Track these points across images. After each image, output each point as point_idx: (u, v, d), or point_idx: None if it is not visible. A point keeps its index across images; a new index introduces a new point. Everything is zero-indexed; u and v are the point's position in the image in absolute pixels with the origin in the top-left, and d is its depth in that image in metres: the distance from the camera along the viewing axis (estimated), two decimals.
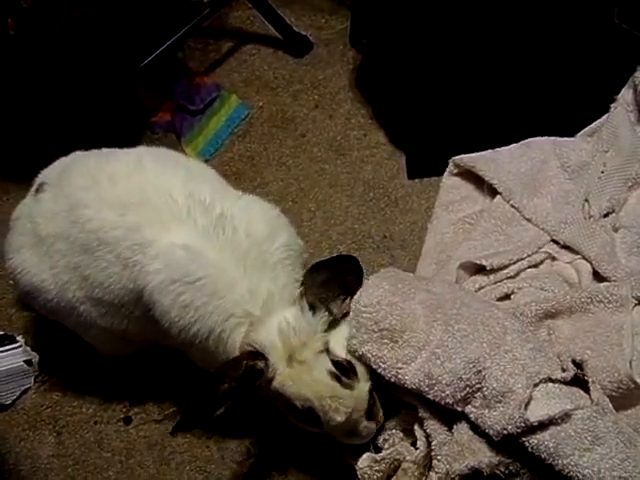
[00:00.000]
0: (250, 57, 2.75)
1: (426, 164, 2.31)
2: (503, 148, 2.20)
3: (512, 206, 2.10)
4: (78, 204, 1.77)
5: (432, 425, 1.70)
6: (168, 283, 1.68)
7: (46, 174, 1.92)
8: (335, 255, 2.07)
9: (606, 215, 2.05)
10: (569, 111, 2.26)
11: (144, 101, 2.68)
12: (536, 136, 2.23)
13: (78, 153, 1.94)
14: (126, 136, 2.57)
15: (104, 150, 1.92)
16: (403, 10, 2.23)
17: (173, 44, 2.57)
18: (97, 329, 1.86)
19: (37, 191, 1.87)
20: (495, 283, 1.97)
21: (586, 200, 2.09)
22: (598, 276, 1.94)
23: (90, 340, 1.95)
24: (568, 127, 2.25)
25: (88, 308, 1.81)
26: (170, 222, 1.73)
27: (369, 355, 1.71)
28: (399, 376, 1.69)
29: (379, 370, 1.70)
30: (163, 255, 1.70)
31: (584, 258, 1.98)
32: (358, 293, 1.79)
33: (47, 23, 2.44)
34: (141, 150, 1.93)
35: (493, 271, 1.98)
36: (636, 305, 1.85)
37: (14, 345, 2.11)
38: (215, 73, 2.71)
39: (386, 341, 1.71)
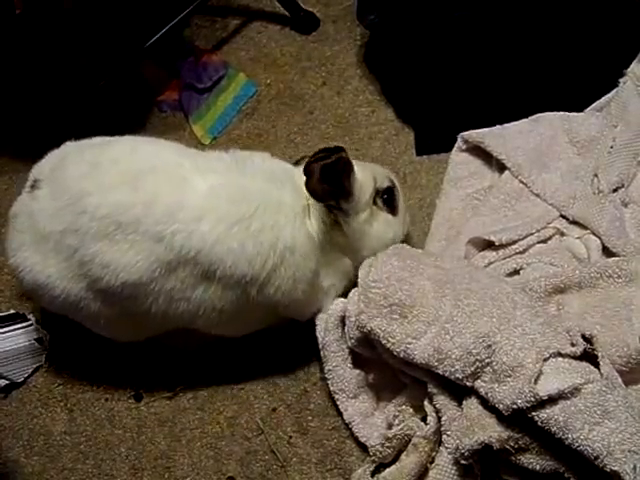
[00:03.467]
0: (257, 34, 2.74)
1: (434, 140, 2.30)
2: (512, 123, 2.19)
3: (521, 181, 2.10)
4: (81, 193, 1.74)
5: (442, 400, 1.71)
6: (228, 228, 1.73)
7: (39, 169, 1.88)
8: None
9: (615, 190, 2.04)
10: (578, 85, 2.24)
11: (151, 80, 2.67)
12: (545, 111, 2.22)
13: (69, 144, 1.91)
14: (134, 115, 2.57)
15: (95, 139, 1.90)
16: None
17: (179, 22, 2.57)
18: (110, 318, 1.85)
19: (32, 187, 1.83)
20: (504, 258, 1.97)
21: (595, 175, 2.08)
22: (607, 251, 1.94)
23: (102, 330, 1.93)
24: (577, 102, 2.24)
25: (102, 297, 1.80)
26: (185, 180, 1.76)
27: (378, 330, 1.72)
28: (408, 351, 1.69)
29: (388, 345, 1.71)
30: (204, 209, 1.73)
31: (593, 233, 1.98)
32: (367, 268, 1.80)
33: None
34: (132, 137, 1.93)
35: (502, 246, 1.98)
36: None
37: (25, 323, 2.11)
38: (222, 51, 2.70)
39: (395, 316, 1.72)
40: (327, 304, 1.91)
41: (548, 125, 2.19)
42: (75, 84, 2.49)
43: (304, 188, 1.75)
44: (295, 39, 2.69)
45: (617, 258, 1.89)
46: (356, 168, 1.81)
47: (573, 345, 1.64)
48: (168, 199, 1.73)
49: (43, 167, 1.87)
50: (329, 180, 1.73)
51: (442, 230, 2.10)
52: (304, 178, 1.74)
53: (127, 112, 2.56)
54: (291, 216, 1.80)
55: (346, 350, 1.86)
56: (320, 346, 1.90)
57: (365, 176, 1.86)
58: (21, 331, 2.11)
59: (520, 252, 1.97)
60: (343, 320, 1.85)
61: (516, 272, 1.94)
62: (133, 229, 1.72)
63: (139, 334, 1.96)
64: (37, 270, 1.80)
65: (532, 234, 1.99)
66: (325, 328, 1.87)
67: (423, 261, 1.81)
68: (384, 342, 1.71)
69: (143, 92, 2.64)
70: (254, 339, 1.99)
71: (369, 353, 1.84)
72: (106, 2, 2.60)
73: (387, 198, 1.91)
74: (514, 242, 1.98)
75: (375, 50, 2.55)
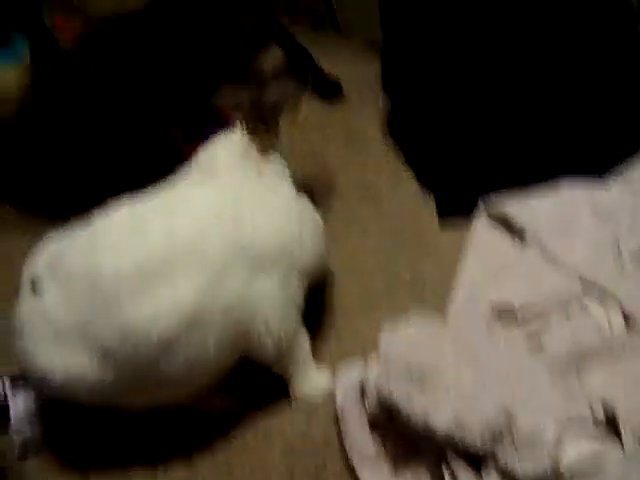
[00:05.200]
0: None
1: (456, 205, 2.32)
2: (534, 191, 2.20)
3: (542, 250, 2.10)
4: (91, 271, 1.71)
5: (460, 468, 1.69)
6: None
7: (34, 269, 1.81)
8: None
9: (638, 261, 2.04)
10: (599, 153, 2.26)
11: (179, 144, 2.70)
12: (566, 175, 2.24)
13: (53, 236, 1.87)
14: (161, 178, 2.59)
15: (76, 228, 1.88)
16: (433, 55, 2.25)
17: (208, 87, 2.61)
18: (150, 383, 1.79)
19: (33, 288, 1.78)
20: (525, 327, 1.96)
21: (617, 244, 2.08)
22: (630, 321, 1.93)
23: (137, 403, 1.87)
24: (599, 167, 2.26)
25: (147, 360, 1.74)
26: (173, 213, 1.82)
27: (397, 398, 1.70)
28: (428, 420, 1.67)
29: (407, 413, 1.69)
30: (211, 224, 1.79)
31: (616, 302, 1.97)
32: (387, 335, 1.80)
33: (86, 62, 2.48)
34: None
35: (523, 315, 1.97)
36: None
37: None
38: None
39: (415, 384, 1.70)
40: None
41: (570, 194, 2.20)
42: (101, 146, 2.52)
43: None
44: (319, 106, 2.73)
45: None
46: None
47: (594, 414, 1.63)
48: (186, 230, 1.76)
49: (38, 266, 1.82)
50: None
51: (463, 297, 2.09)
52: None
53: (155, 176, 2.58)
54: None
55: (364, 416, 1.85)
56: (339, 411, 1.88)
57: None
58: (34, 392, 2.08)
59: (541, 321, 1.97)
60: (362, 387, 1.84)
61: (537, 341, 1.93)
62: (160, 270, 1.71)
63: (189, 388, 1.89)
64: (67, 364, 1.73)
65: (554, 303, 1.99)
66: (344, 393, 1.87)
67: (443, 328, 1.81)
68: (403, 410, 1.70)
69: (172, 157, 2.67)
70: (270, 405, 1.98)
71: (388, 420, 1.82)
72: (136, 66, 2.65)
73: None
74: (535, 310, 1.97)
75: (398, 116, 2.57)
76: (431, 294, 2.14)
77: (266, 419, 1.99)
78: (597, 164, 2.24)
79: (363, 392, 1.84)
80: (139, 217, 1.80)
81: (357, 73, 2.78)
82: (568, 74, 2.18)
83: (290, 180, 2.04)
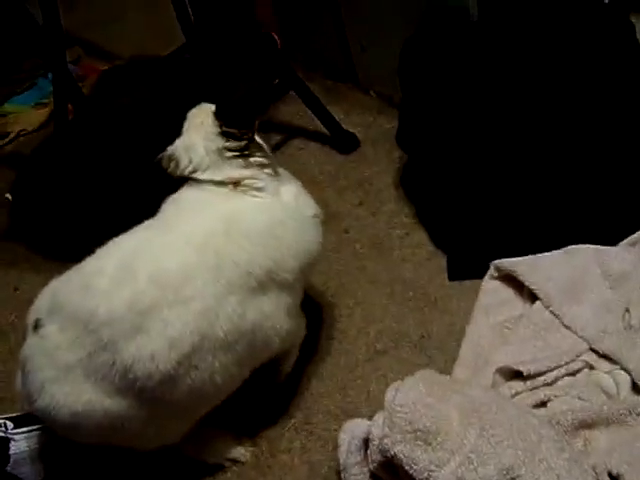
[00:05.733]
0: (298, 151, 2.80)
1: (467, 266, 2.32)
2: (545, 254, 2.20)
3: (551, 312, 2.10)
4: (90, 313, 1.72)
5: None
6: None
7: (36, 310, 1.83)
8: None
9: None
10: (612, 218, 2.26)
11: None
12: (578, 242, 2.24)
13: (54, 282, 1.88)
14: None
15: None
16: (450, 115, 2.26)
17: None
18: (154, 420, 1.82)
19: (36, 328, 1.79)
20: (532, 390, 1.95)
21: (627, 310, 2.08)
22: (637, 388, 1.91)
23: (144, 441, 1.89)
24: (610, 235, 2.26)
25: (151, 397, 1.76)
26: (165, 246, 1.83)
27: (401, 455, 1.69)
28: (432, 478, 1.67)
29: (411, 471, 1.68)
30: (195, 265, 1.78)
31: (623, 368, 1.96)
32: (393, 392, 1.79)
33: (106, 108, 2.50)
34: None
35: (530, 377, 1.95)
36: None
37: (40, 425, 2.08)
38: None
39: (420, 442, 1.69)
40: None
41: (581, 257, 2.20)
42: (107, 194, 2.54)
43: None
44: (334, 158, 2.75)
45: None
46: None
47: None
48: (170, 269, 1.77)
49: (39, 308, 1.83)
50: None
51: (470, 357, 2.09)
52: None
53: None
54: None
55: (367, 473, 1.84)
56: (341, 467, 1.87)
57: None
58: (35, 433, 2.08)
59: (548, 384, 1.95)
60: (366, 442, 1.83)
61: (543, 404, 1.92)
62: (157, 309, 1.72)
63: (185, 426, 1.92)
64: (72, 401, 1.74)
65: (561, 366, 1.97)
66: (347, 450, 1.85)
67: (450, 388, 1.80)
68: (407, 468, 1.69)
69: None
70: (267, 460, 1.99)
71: (391, 477, 1.81)
72: (153, 111, 2.67)
73: None
74: (542, 373, 1.96)
75: (412, 173, 2.59)
76: (438, 352, 2.13)
77: (269, 470, 2.00)
78: (608, 230, 2.24)
79: (367, 448, 1.83)
80: (127, 260, 1.80)
81: (374, 127, 2.80)
82: (581, 141, 2.19)
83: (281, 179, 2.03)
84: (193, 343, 1.74)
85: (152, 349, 1.71)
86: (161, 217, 1.93)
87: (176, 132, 1.96)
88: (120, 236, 1.87)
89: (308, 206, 2.04)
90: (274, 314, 1.88)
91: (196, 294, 1.75)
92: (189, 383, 1.76)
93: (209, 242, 1.81)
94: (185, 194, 1.94)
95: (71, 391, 1.74)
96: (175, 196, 1.95)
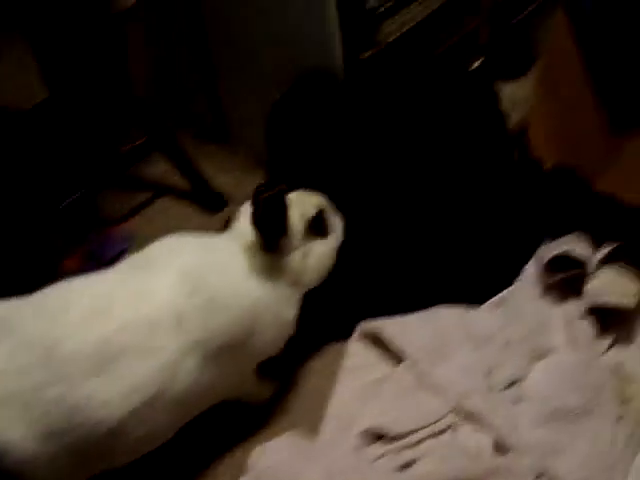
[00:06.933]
0: (166, 209, 2.77)
1: (331, 329, 2.30)
2: (411, 315, 2.22)
3: (416, 373, 2.11)
4: (54, 343, 1.67)
5: None
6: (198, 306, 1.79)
7: None
8: None
9: (509, 386, 2.07)
10: (476, 282, 2.29)
11: (56, 246, 2.65)
12: (444, 303, 2.27)
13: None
14: (34, 280, 2.52)
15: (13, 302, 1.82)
16: (316, 175, 2.27)
17: (91, 190, 2.58)
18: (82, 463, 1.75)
19: None
20: (397, 451, 1.95)
21: (490, 371, 2.11)
22: (500, 447, 1.94)
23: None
24: (474, 297, 2.30)
25: (86, 443, 1.70)
26: (141, 293, 1.80)
27: None
28: None
29: None
30: (168, 306, 1.77)
31: (486, 428, 1.98)
32: (259, 454, 1.76)
33: None
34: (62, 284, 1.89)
35: (394, 439, 1.96)
36: (537, 479, 1.86)
37: None
38: (130, 223, 2.71)
39: None
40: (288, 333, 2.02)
41: (447, 318, 2.23)
42: None
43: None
44: (202, 217, 2.73)
45: (509, 455, 1.90)
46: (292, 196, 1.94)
47: None
48: (141, 316, 1.74)
49: None
50: (271, 214, 1.82)
51: (335, 419, 2.07)
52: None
53: (28, 277, 2.51)
54: (237, 270, 1.88)
55: None
56: None
57: (294, 214, 1.93)
58: None
59: (412, 445, 1.96)
60: None
61: (408, 465, 1.92)
62: (123, 354, 1.69)
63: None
64: (3, 431, 1.65)
65: (425, 427, 1.99)
66: None
67: (315, 450, 1.79)
68: None
69: (46, 258, 2.61)
70: None
71: None
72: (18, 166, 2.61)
73: (317, 225, 1.98)
74: (406, 435, 1.96)
75: None
76: (305, 415, 2.11)
77: None
78: (473, 290, 2.28)
79: None
80: (102, 298, 1.77)
81: (242, 187, 2.79)
82: (444, 199, 2.23)
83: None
84: (154, 394, 1.71)
85: (109, 394, 1.67)
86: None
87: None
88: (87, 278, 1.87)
89: None
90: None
91: (161, 351, 1.73)
92: (135, 436, 1.73)
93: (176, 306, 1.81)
94: None
95: (4, 424, 1.65)
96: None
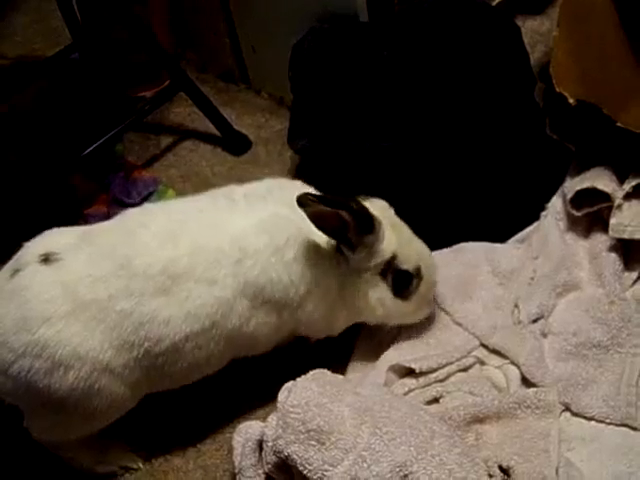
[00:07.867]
0: (189, 153, 2.77)
1: None
2: (435, 252, 2.22)
3: (442, 310, 2.13)
4: (127, 258, 1.75)
5: None
6: (267, 259, 1.84)
7: (46, 245, 1.80)
8: None
9: (535, 321, 2.08)
10: (501, 217, 2.29)
11: (80, 192, 2.66)
12: (468, 240, 2.27)
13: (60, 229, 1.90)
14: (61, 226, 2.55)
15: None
16: (341, 115, 2.27)
17: (113, 137, 2.58)
18: (140, 385, 1.84)
19: (46, 260, 1.75)
20: (424, 386, 1.97)
21: (516, 306, 2.11)
22: (526, 381, 1.96)
23: (116, 407, 1.85)
24: (500, 233, 2.30)
25: (148, 361, 1.79)
26: (217, 225, 1.86)
27: (295, 456, 1.69)
28: (325, 479, 1.67)
29: (305, 472, 1.68)
30: (242, 247, 1.82)
31: (513, 363, 1.99)
32: (286, 393, 1.78)
33: None
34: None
35: (422, 374, 1.98)
36: (563, 411, 1.88)
37: None
38: (153, 167, 2.73)
39: (313, 442, 1.69)
40: (338, 329, 2.06)
41: (471, 255, 2.24)
42: (5, 192, 2.47)
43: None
44: (226, 159, 2.73)
45: (535, 389, 1.90)
46: (392, 235, 1.91)
47: (490, 476, 1.64)
48: (210, 246, 1.81)
49: (54, 242, 1.81)
50: (331, 222, 1.82)
51: (363, 356, 2.10)
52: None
53: (54, 224, 2.53)
54: (316, 251, 1.90)
55: (262, 475, 1.83)
56: (236, 470, 1.86)
57: (388, 246, 1.91)
58: None
59: (440, 380, 1.98)
60: (260, 444, 1.82)
61: (435, 400, 1.95)
62: (187, 278, 1.76)
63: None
64: (76, 342, 1.70)
65: (452, 362, 2.01)
66: (242, 452, 1.84)
67: (343, 387, 1.80)
68: (301, 468, 1.68)
69: (71, 205, 2.63)
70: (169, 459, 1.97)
71: (285, 478, 1.80)
72: (40, 114, 2.62)
73: (398, 279, 1.95)
74: (434, 370, 1.98)
75: (305, 174, 2.58)
76: (332, 352, 2.13)
77: (164, 476, 1.97)
78: (498, 227, 2.28)
79: (261, 450, 1.82)
80: (173, 222, 1.85)
81: (265, 128, 2.79)
82: (470, 138, 2.21)
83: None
84: (204, 325, 1.79)
85: (170, 314, 1.75)
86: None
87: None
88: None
89: None
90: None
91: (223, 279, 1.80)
92: (189, 360, 1.82)
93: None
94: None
95: (79, 331, 1.71)
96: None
